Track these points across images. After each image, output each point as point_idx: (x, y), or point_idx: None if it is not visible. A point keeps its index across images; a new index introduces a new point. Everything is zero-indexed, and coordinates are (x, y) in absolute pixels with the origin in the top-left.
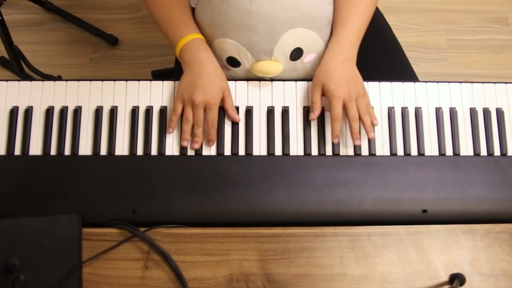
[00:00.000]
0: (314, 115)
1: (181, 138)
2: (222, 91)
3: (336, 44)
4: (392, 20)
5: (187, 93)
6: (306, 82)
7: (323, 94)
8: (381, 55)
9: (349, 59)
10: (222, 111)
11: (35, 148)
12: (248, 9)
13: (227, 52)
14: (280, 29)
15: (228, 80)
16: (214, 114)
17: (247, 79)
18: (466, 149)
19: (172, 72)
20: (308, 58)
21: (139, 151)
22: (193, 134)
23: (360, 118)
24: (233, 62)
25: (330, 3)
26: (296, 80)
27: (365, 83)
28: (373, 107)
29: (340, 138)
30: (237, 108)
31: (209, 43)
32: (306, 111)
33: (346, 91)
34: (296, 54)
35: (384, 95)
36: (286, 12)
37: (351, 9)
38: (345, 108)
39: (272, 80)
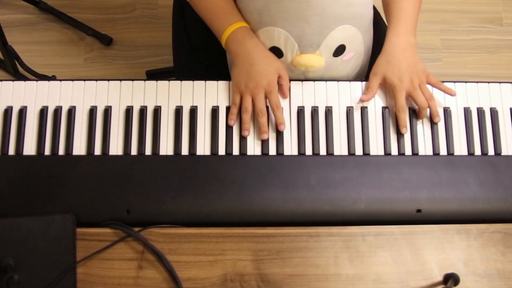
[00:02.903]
0: (367, 97)
1: (241, 129)
2: (277, 71)
3: (394, 32)
4: None
5: (244, 83)
6: (300, 82)
7: (385, 85)
8: (376, 55)
9: (409, 46)
10: (215, 113)
11: (29, 148)
12: (306, 0)
13: (272, 41)
14: (331, 24)
15: None
16: (276, 97)
17: None
18: (460, 148)
19: (167, 72)
20: (347, 56)
21: (133, 151)
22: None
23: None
24: (275, 52)
25: (371, 5)
26: (297, 79)
27: (356, 83)
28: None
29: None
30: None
31: (254, 30)
32: (300, 110)
33: (408, 81)
34: (339, 50)
35: (378, 95)
36: (340, 7)
37: None
38: (411, 97)
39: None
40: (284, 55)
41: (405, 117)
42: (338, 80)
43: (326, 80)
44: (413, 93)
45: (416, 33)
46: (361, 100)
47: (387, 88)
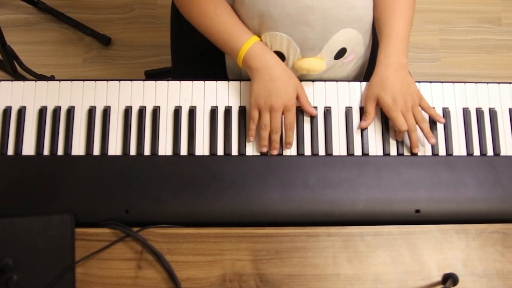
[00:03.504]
0: (366, 123)
1: (260, 145)
2: (296, 90)
3: (386, 53)
4: None
5: (263, 99)
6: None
7: (379, 105)
8: (374, 55)
9: (401, 67)
10: (215, 114)
11: (28, 148)
12: (309, 5)
13: (274, 46)
14: (334, 28)
15: None
16: (293, 116)
17: None
18: (459, 149)
19: (166, 72)
20: (348, 58)
21: (132, 151)
22: (269, 140)
23: (419, 126)
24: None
25: (372, 7)
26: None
27: (352, 83)
28: (434, 108)
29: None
30: (230, 108)
31: (256, 35)
32: (299, 110)
33: (402, 102)
34: (340, 53)
35: None
36: (343, 11)
37: (393, 13)
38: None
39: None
40: (286, 59)
41: (404, 133)
42: (337, 81)
43: (325, 81)
44: (405, 115)
45: (408, 52)
46: (361, 127)
47: (381, 108)
